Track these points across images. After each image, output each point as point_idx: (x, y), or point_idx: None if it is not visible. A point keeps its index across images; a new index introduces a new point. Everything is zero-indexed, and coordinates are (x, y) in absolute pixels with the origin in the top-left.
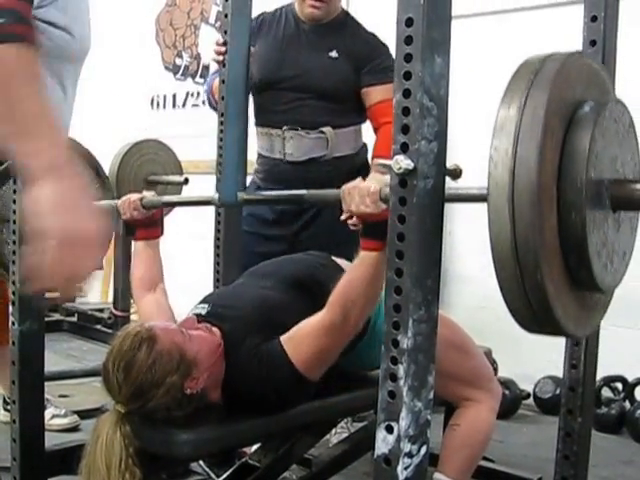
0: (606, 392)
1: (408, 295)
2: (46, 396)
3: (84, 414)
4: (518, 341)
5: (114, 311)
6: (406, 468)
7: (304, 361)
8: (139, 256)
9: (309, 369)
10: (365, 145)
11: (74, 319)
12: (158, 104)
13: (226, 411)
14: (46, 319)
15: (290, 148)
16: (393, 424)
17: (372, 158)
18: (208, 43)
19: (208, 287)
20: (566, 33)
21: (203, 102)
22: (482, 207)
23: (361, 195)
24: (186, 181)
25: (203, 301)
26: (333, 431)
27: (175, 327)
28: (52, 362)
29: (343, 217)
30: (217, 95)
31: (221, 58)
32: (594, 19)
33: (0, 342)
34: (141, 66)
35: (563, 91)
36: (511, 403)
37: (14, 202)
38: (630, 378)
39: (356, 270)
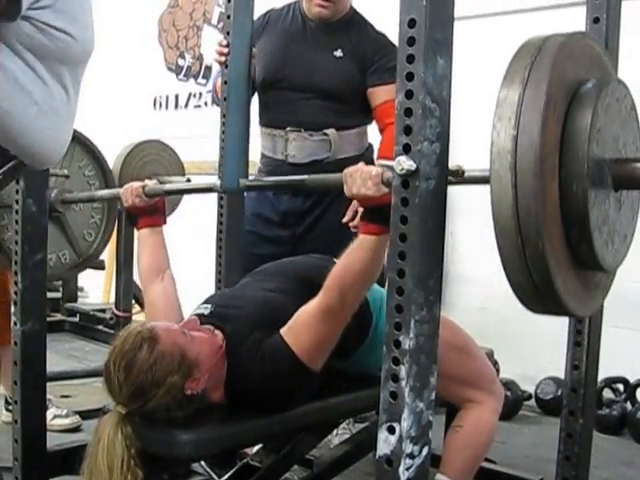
0: (607, 393)
1: (410, 296)
2: (48, 396)
3: (86, 414)
4: (520, 342)
5: (116, 311)
6: (408, 469)
7: (305, 350)
8: (144, 243)
9: (311, 358)
10: (371, 146)
11: (76, 319)
12: (160, 105)
13: (230, 411)
14: (48, 319)
15: (292, 150)
16: (395, 425)
17: (377, 159)
18: (210, 44)
19: (209, 287)
20: None
21: (205, 103)
22: (484, 208)
23: (363, 178)
24: (188, 182)
25: (205, 302)
26: (335, 432)
27: (177, 328)
28: (54, 362)
29: (345, 219)
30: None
31: (223, 59)
32: (596, 21)
33: (2, 342)
34: (144, 67)
35: (566, 67)
36: (513, 404)
37: (16, 202)
38: (632, 379)
39: (354, 254)
